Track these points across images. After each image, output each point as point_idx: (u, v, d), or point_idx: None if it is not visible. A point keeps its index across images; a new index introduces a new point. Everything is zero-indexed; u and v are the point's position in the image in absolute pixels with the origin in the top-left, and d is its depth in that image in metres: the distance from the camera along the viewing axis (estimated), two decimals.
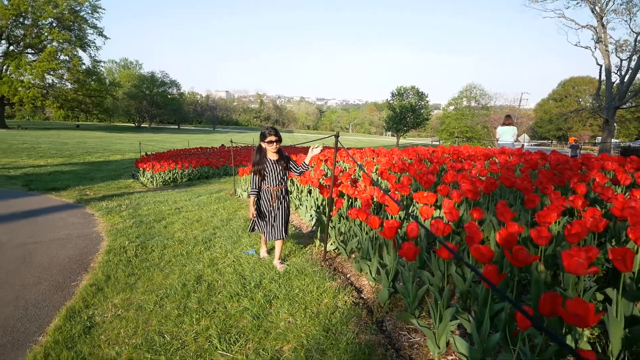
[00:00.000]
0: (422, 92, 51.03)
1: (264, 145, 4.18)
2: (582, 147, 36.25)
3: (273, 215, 4.31)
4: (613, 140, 30.21)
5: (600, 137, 30.68)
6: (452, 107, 60.20)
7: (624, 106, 30.08)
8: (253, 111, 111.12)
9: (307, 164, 4.41)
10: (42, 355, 2.98)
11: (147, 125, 75.52)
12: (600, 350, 2.33)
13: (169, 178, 13.08)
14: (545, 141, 56.61)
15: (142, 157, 16.52)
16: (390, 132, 64.05)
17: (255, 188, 4.23)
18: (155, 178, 12.70)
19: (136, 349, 2.99)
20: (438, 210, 4.11)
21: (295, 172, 4.38)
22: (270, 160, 4.20)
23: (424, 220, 3.58)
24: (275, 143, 4.14)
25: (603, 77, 27.69)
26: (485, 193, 4.00)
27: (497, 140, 10.61)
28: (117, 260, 4.98)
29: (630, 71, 26.42)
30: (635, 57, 26.37)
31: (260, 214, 4.34)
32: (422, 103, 50.86)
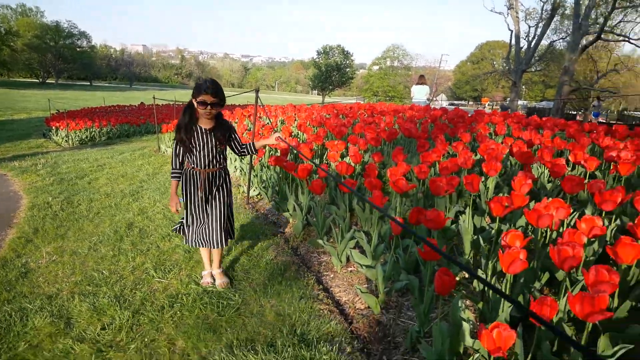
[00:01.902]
0: (347, 51, 51.84)
1: (195, 104, 2.78)
2: (495, 107, 39.16)
3: (202, 211, 2.99)
4: (520, 101, 32.97)
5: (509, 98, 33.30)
6: (376, 67, 61.76)
7: (531, 70, 32.79)
8: (174, 67, 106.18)
9: (256, 148, 3.15)
10: None
11: (54, 81, 69.80)
12: (457, 254, 3.11)
13: (87, 137, 12.76)
14: (463, 101, 60.08)
15: (54, 115, 15.78)
16: (316, 91, 64.66)
17: (178, 167, 2.94)
18: (70, 137, 12.34)
19: (77, 284, 3.35)
20: (348, 157, 4.77)
21: (237, 151, 3.10)
22: (201, 128, 2.85)
23: (333, 163, 4.22)
24: (210, 107, 2.73)
25: (513, 42, 29.90)
26: (387, 141, 4.71)
27: (412, 99, 11.53)
28: (43, 214, 5.16)
29: (536, 37, 28.83)
30: (541, 25, 28.73)
31: (186, 207, 3.02)
32: (347, 62, 51.78)
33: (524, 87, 42.68)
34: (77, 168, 7.89)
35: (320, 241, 3.34)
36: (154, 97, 11.85)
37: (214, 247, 3.05)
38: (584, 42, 25.46)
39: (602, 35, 25.33)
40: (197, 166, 2.91)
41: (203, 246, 3.06)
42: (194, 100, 2.78)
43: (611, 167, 3.82)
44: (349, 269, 3.28)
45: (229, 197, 3.09)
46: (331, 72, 50.19)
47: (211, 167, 2.94)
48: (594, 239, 2.62)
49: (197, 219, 3.00)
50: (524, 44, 29.67)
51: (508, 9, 29.35)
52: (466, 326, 2.10)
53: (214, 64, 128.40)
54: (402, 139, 5.40)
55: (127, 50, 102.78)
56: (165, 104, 20.19)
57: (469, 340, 2.08)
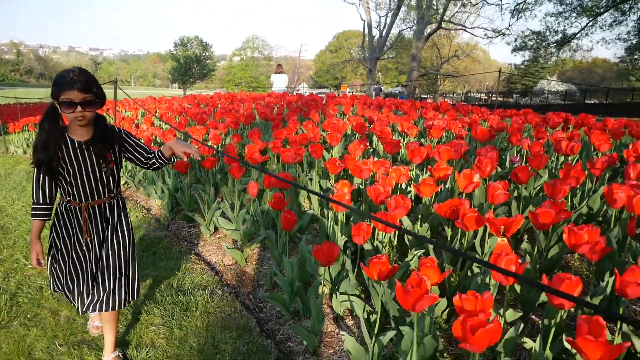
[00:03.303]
0: (206, 42, 51.04)
1: (59, 107, 1.92)
2: (355, 92, 42.08)
3: (88, 263, 2.10)
4: (376, 86, 35.85)
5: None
6: (237, 58, 61.98)
7: (384, 57, 35.86)
8: (9, 63, 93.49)
9: (167, 157, 2.16)
10: None
11: None
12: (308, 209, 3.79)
13: None
14: (325, 89, 63.14)
15: None
16: (176, 84, 62.60)
17: (42, 201, 2.05)
18: None
19: None
20: (209, 140, 5.22)
21: (142, 163, 2.19)
22: (73, 142, 1.99)
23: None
24: (81, 108, 1.88)
25: (366, 31, 32.36)
26: (245, 124, 5.27)
27: (272, 87, 12.22)
28: None
29: (386, 27, 31.60)
30: (390, 15, 31.56)
31: (60, 258, 2.14)
32: (207, 54, 51.01)
33: (379, 73, 46.43)
34: None
35: (189, 214, 3.78)
36: None
37: (105, 310, 2.08)
38: (428, 30, 28.66)
39: (443, 25, 28.81)
40: (74, 199, 2.03)
41: (100, 310, 2.08)
42: (55, 102, 1.90)
43: (428, 134, 4.83)
44: (217, 236, 3.77)
45: (130, 240, 2.19)
46: (191, 64, 49.03)
47: (97, 197, 2.05)
48: (405, 184, 3.48)
49: (82, 275, 2.10)
50: (376, 33, 32.29)
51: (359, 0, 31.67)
52: (311, 258, 2.75)
53: (57, 58, 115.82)
54: (259, 122, 5.99)
55: None
56: (4, 103, 18.28)
57: (314, 268, 2.74)
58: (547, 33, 20.28)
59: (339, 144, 4.30)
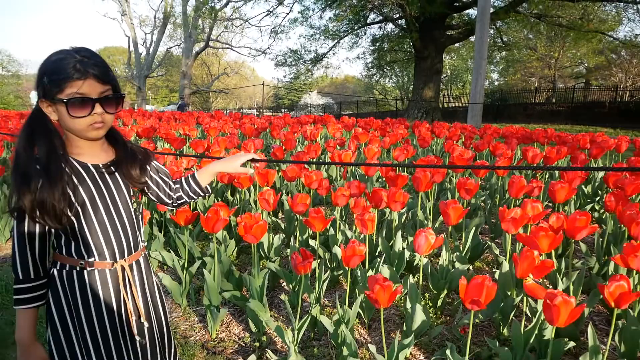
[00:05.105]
0: None
1: (53, 114, 1.10)
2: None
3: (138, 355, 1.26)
4: (149, 106, 35.29)
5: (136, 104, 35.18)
6: None
7: (154, 75, 35.53)
8: None
9: (204, 187, 1.46)
10: None
11: None
12: None
13: None
14: None
15: None
16: None
17: (35, 275, 1.14)
18: None
19: None
20: None
21: (168, 199, 1.42)
22: (86, 167, 1.16)
23: None
24: (98, 108, 1.10)
25: (132, 48, 31.66)
26: None
27: (30, 107, 11.53)
28: None
29: (153, 44, 31.49)
30: (156, 32, 31.54)
31: None
32: None
33: (149, 91, 45.61)
34: None
35: None
36: None
37: None
38: (196, 48, 29.63)
39: (210, 43, 30.16)
40: (102, 258, 1.19)
41: None
42: (50, 107, 1.10)
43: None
44: None
45: (165, 309, 1.39)
46: None
47: (133, 250, 1.26)
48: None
49: None
50: (142, 50, 31.91)
51: (122, 15, 30.83)
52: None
53: None
54: None
55: None
56: None
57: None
58: (303, 52, 23.37)
59: None
